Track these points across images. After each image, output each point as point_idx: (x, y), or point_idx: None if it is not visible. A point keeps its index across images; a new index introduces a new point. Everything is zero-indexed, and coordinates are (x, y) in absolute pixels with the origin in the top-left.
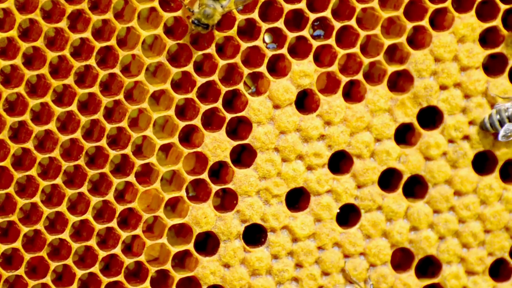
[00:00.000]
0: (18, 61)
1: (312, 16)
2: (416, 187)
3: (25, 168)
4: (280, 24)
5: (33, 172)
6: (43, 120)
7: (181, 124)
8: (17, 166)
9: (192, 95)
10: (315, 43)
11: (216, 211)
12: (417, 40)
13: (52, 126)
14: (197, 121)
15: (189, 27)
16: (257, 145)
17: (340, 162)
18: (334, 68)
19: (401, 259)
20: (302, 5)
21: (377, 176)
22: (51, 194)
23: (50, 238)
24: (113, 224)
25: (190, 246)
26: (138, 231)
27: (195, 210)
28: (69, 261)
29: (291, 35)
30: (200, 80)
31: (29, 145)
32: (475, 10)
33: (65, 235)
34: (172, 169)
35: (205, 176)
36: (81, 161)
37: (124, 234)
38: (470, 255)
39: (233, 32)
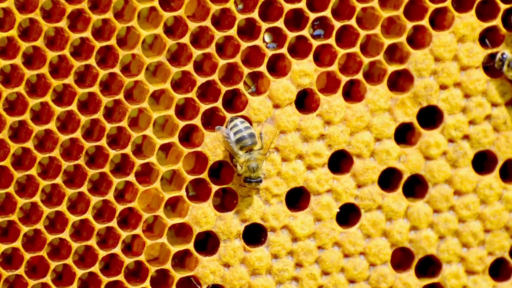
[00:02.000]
0: (18, 60)
1: (312, 16)
2: (416, 187)
3: (25, 167)
4: (280, 23)
5: (33, 171)
6: (43, 120)
7: (181, 123)
8: (17, 165)
9: (192, 94)
10: (315, 43)
11: (216, 211)
12: (417, 39)
13: (52, 125)
14: (197, 121)
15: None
16: None
17: (340, 162)
18: (334, 67)
19: (401, 258)
20: (302, 5)
21: (377, 176)
22: (51, 193)
23: (50, 237)
24: (113, 223)
25: (190, 246)
26: (138, 230)
27: (195, 209)
28: (69, 261)
29: (291, 35)
30: (200, 80)
31: (29, 144)
32: (475, 9)
33: (65, 235)
34: (172, 169)
35: (205, 175)
36: (81, 161)
37: (124, 234)
38: (470, 254)
39: (233, 31)
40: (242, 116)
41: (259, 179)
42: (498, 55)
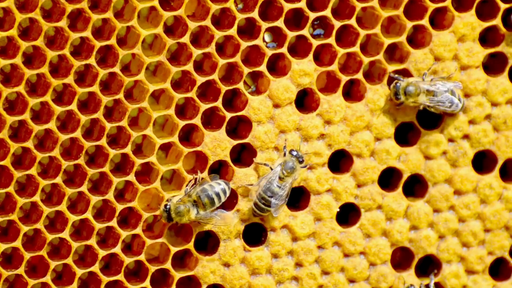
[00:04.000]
0: (18, 60)
1: (312, 15)
2: (416, 186)
3: (25, 167)
4: (280, 23)
5: (33, 171)
6: (43, 119)
7: (181, 123)
8: (17, 165)
9: (192, 94)
10: (315, 42)
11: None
12: (417, 39)
13: (52, 125)
14: (197, 120)
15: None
16: (257, 144)
17: (340, 161)
18: (334, 67)
19: (401, 258)
20: (302, 4)
21: (377, 175)
22: (51, 193)
23: (50, 237)
24: (113, 223)
25: (190, 245)
26: (138, 230)
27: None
28: (69, 260)
29: (291, 34)
30: (200, 79)
31: (29, 144)
32: (475, 9)
33: (65, 234)
34: (172, 168)
35: (205, 175)
36: (81, 160)
37: (124, 233)
38: (470, 254)
39: (233, 31)
40: (227, 186)
41: (170, 219)
42: (392, 87)
